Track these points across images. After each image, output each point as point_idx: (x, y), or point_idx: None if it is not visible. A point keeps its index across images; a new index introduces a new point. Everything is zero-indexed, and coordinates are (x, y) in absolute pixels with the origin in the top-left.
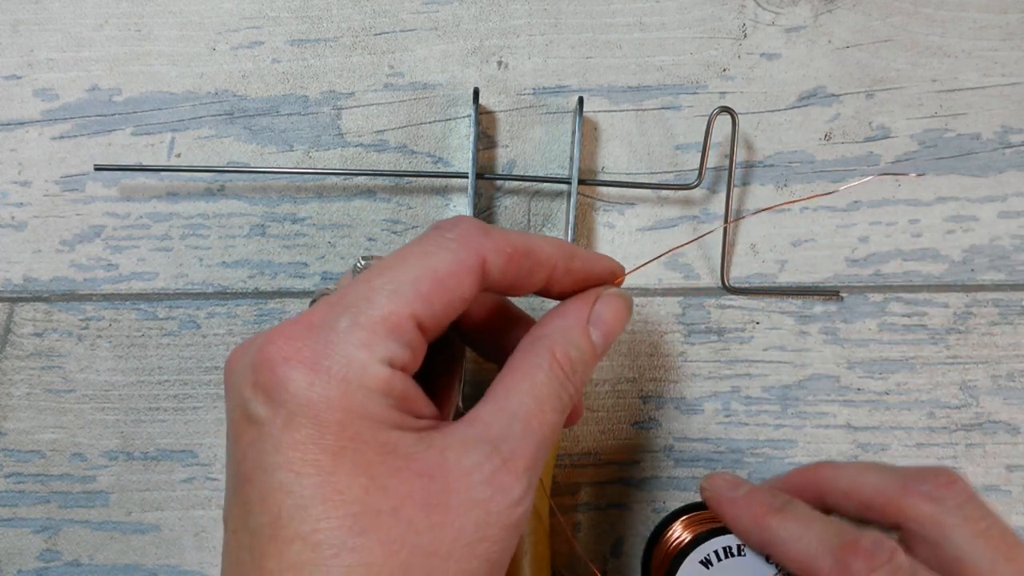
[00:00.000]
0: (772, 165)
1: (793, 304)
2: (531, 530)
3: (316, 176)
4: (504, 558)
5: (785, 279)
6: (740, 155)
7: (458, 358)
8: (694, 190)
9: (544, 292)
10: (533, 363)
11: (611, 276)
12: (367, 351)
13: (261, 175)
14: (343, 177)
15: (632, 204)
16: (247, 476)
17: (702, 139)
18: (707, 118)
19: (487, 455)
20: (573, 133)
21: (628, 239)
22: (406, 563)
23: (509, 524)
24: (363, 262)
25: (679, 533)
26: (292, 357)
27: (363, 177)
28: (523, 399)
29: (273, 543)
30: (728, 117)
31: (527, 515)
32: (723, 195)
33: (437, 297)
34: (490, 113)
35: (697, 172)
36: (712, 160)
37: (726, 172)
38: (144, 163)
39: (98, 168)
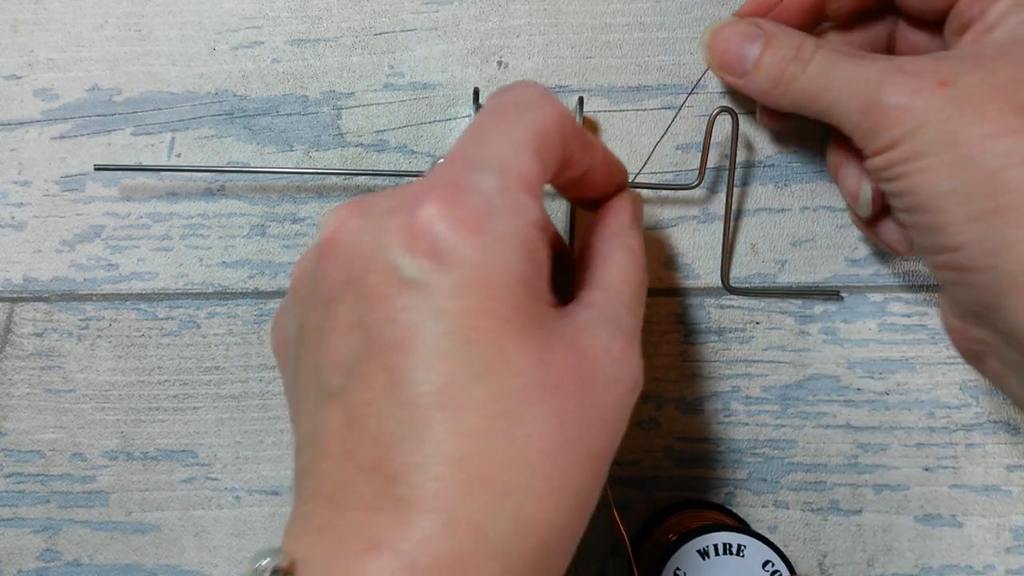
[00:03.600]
0: (772, 165)
1: (793, 304)
2: None
3: (316, 176)
4: (616, 446)
5: (785, 279)
6: (740, 155)
7: None
8: (694, 190)
9: (579, 182)
10: (620, 258)
11: (624, 178)
12: (521, 215)
13: (261, 175)
14: (343, 177)
15: None
16: (396, 344)
17: (702, 139)
18: (707, 118)
19: (612, 335)
20: None
21: None
22: (571, 437)
23: (630, 406)
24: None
25: (672, 526)
26: (456, 220)
27: (363, 177)
28: (622, 287)
29: (441, 412)
30: (728, 117)
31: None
32: (723, 195)
33: (549, 155)
34: None
35: (697, 172)
36: (712, 160)
37: (726, 172)
38: (144, 163)
39: (98, 168)
